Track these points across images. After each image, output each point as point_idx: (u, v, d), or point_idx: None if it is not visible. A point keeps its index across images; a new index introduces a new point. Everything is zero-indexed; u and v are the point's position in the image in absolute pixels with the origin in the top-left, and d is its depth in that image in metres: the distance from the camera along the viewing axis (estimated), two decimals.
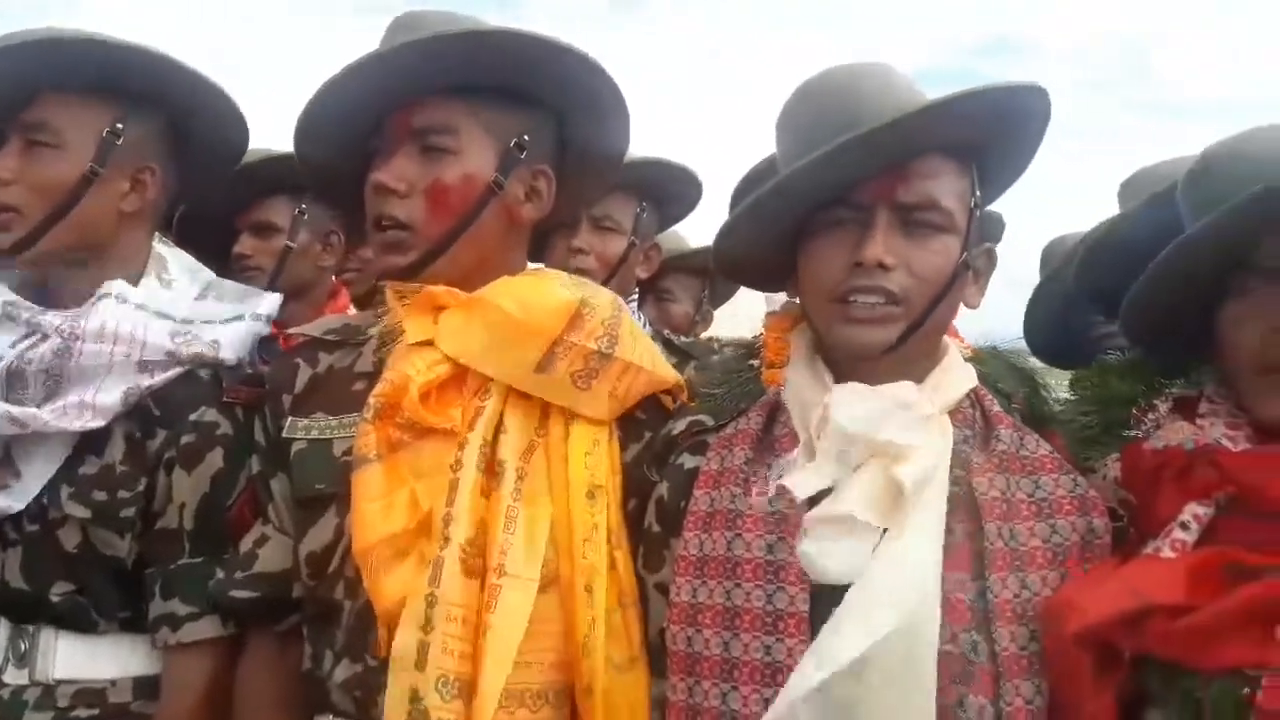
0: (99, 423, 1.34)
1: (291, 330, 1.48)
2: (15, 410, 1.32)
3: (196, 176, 1.56)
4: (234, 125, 1.54)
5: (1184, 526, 1.06)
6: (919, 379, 1.16)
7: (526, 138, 1.30)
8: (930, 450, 1.11)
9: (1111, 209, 1.74)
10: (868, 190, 1.13)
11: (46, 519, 1.35)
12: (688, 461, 1.25)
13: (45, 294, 1.42)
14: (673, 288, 2.60)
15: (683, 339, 2.20)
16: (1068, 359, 2.19)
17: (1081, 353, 2.14)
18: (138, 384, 1.36)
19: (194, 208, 1.93)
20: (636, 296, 2.22)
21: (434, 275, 1.28)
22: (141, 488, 1.36)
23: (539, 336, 1.25)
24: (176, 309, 1.44)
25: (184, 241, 1.97)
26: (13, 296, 1.38)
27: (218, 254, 2.00)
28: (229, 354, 1.44)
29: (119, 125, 1.39)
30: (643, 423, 1.33)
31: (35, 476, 1.35)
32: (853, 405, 1.10)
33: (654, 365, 1.32)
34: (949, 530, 1.10)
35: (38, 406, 1.33)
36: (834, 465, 1.11)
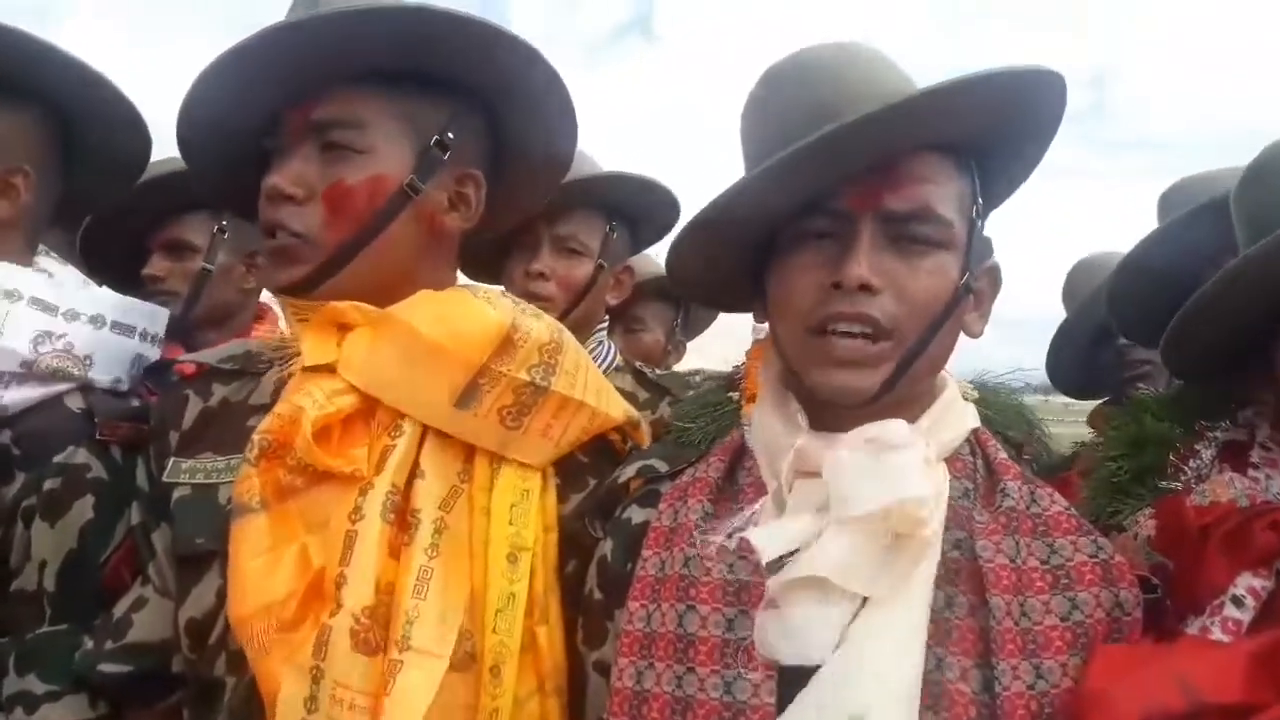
0: None
1: (184, 357, 1.28)
2: None
3: (89, 184, 1.37)
4: (128, 126, 1.35)
5: (1237, 602, 0.86)
6: (911, 419, 0.96)
7: (450, 135, 1.11)
8: (934, 502, 0.91)
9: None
10: (849, 195, 0.93)
11: None
12: (636, 515, 1.04)
13: None
14: (643, 315, 2.41)
15: (657, 372, 2.01)
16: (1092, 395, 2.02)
17: (1110, 390, 1.99)
18: None
19: (101, 223, 1.74)
20: (606, 325, 2.02)
21: (336, 291, 1.09)
22: None
23: (460, 363, 1.05)
24: (62, 301, 1.24)
25: (89, 261, 1.78)
26: None
27: (128, 276, 1.80)
28: (101, 373, 1.24)
29: None
30: (586, 468, 1.13)
31: None
32: (846, 467, 0.91)
33: (600, 401, 1.12)
34: (947, 604, 0.90)
35: None
36: (809, 520, 0.91)
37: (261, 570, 1.00)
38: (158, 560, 1.14)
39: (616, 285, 1.93)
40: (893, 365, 0.93)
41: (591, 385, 1.13)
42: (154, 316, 1.34)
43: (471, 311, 1.08)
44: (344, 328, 1.09)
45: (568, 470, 1.12)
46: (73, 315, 1.24)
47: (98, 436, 1.20)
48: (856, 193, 0.93)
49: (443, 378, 1.05)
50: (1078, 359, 2.03)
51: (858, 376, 0.92)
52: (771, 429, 0.99)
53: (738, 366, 1.66)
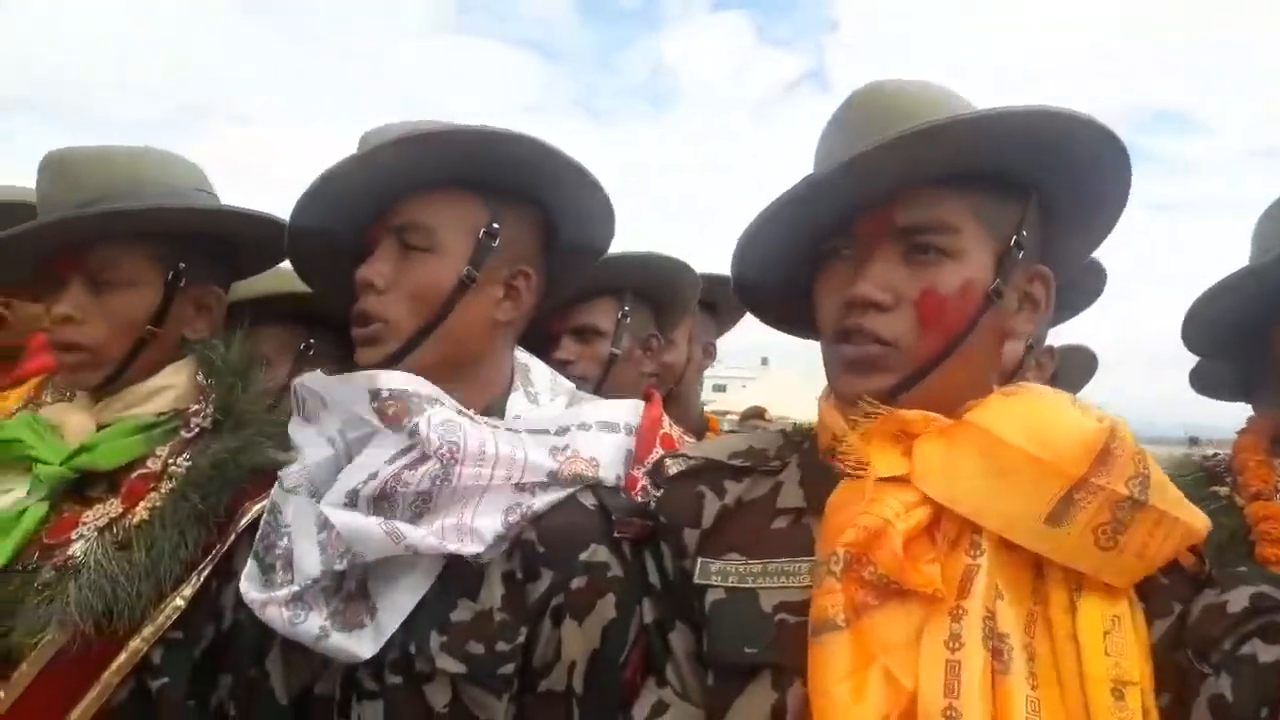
0: (477, 548, 1.14)
1: (687, 451, 1.25)
2: (387, 525, 1.12)
3: (560, 279, 1.39)
4: (603, 221, 1.37)
5: None
6: None
7: (1025, 233, 1.06)
8: None
9: None
10: None
11: (413, 671, 1.14)
12: (1263, 653, 0.93)
13: None
14: None
15: None
16: None
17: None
18: (517, 503, 1.17)
19: None
20: None
21: (912, 399, 1.04)
22: (521, 640, 1.14)
23: (1056, 477, 0.97)
24: (549, 422, 1.26)
25: None
26: (403, 386, 1.19)
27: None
28: (609, 473, 1.24)
29: (494, 224, 1.23)
30: (1167, 590, 1.02)
31: (392, 615, 1.15)
32: None
33: (1186, 512, 1.02)
34: None
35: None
36: None
37: (849, 693, 0.94)
38: (675, 662, 1.12)
39: (1038, 369, 1.82)
40: None
41: (1171, 493, 1.03)
42: (633, 410, 1.34)
43: (1067, 420, 1.00)
44: (905, 436, 1.04)
45: (1150, 593, 1.02)
46: (562, 432, 1.25)
47: (615, 534, 1.18)
48: None
49: (1034, 492, 0.98)
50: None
51: None
52: None
53: (1209, 455, 1.51)
